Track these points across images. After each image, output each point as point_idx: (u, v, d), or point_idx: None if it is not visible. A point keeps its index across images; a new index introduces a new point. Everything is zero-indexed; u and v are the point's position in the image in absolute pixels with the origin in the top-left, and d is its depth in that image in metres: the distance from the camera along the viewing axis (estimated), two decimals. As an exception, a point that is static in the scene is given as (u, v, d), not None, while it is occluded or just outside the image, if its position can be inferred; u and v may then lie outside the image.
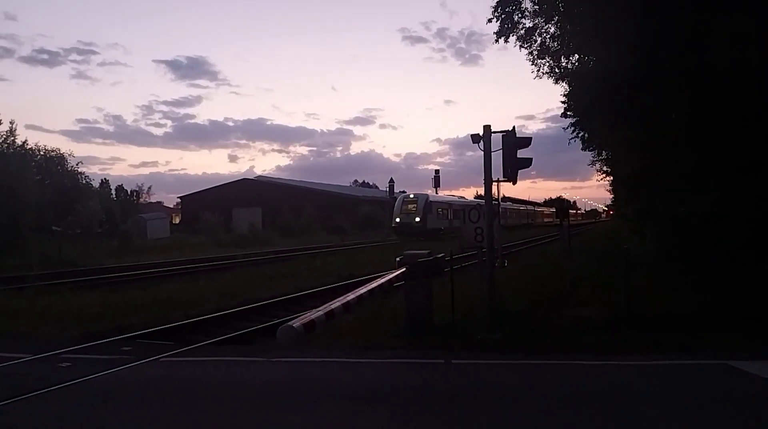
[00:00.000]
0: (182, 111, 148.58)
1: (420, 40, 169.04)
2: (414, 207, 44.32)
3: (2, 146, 29.79)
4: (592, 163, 31.19)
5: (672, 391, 5.67)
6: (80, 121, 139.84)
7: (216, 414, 5.13)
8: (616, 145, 18.75)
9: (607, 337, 7.88)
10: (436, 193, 57.03)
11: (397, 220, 43.85)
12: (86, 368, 6.72)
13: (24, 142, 32.94)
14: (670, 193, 13.13)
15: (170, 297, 12.70)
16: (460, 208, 38.64)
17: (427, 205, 44.92)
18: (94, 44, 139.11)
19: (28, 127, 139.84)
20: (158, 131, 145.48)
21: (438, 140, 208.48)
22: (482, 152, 9.26)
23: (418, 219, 43.20)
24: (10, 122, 31.08)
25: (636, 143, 14.45)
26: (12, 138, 30.67)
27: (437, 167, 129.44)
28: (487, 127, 9.29)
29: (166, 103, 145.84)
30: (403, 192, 55.50)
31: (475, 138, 9.31)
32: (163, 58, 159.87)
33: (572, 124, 19.35)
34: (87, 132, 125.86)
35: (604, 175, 29.79)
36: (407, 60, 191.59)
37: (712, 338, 7.61)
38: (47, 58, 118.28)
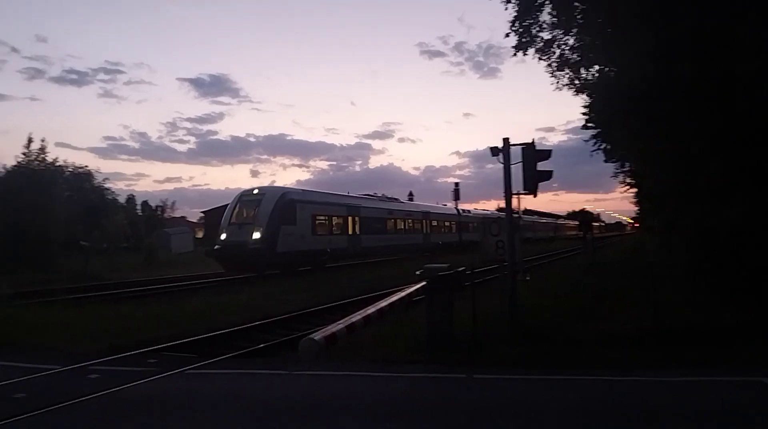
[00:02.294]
0: (205, 127, 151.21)
1: (438, 54, 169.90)
2: (252, 213, 23.17)
3: (33, 164, 30.62)
4: (616, 175, 30.79)
5: (703, 410, 5.50)
6: (107, 138, 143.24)
7: (239, 427, 5.18)
8: (640, 156, 18.51)
9: (633, 352, 7.72)
10: (455, 204, 56.15)
11: (223, 237, 22.93)
12: (114, 380, 6.85)
13: (54, 160, 33.90)
14: (697, 206, 12.88)
15: (194, 310, 12.86)
16: (383, 216, 33.74)
17: (282, 210, 23.27)
18: (120, 64, 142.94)
19: (58, 144, 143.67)
20: (182, 147, 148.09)
21: (457, 153, 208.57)
22: (502, 165, 9.25)
23: (256, 235, 22.10)
24: (41, 140, 31.99)
25: (660, 154, 14.25)
26: (42, 156, 31.54)
27: (457, 180, 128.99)
28: (506, 140, 9.29)
29: (189, 119, 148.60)
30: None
31: (494, 151, 9.31)
32: (187, 76, 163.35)
33: (594, 136, 19.18)
34: (113, 149, 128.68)
35: (627, 186, 29.39)
36: (425, 74, 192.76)
37: (744, 354, 7.35)
38: (76, 78, 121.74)
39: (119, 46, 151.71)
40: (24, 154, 30.87)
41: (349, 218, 29.70)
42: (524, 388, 6.52)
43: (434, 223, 41.32)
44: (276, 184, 33.16)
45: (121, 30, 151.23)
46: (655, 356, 7.45)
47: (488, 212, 55.19)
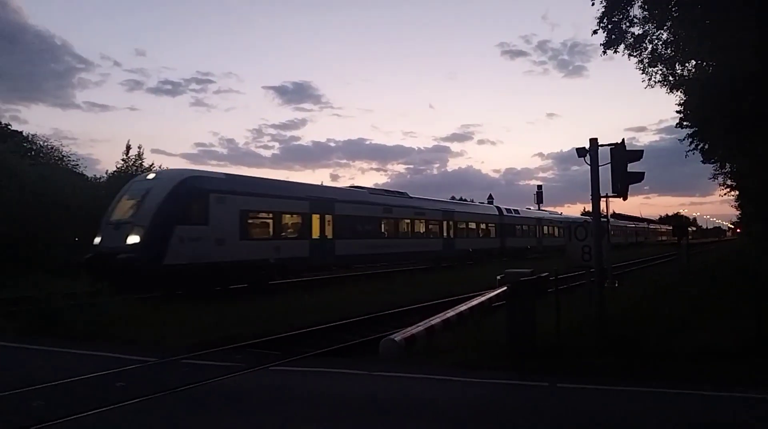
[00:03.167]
0: (288, 133, 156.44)
1: (520, 53, 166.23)
2: (135, 208, 16.45)
3: (132, 169, 32.94)
4: (714, 177, 28.91)
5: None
6: (198, 144, 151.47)
7: (318, 424, 5.30)
8: (742, 156, 17.25)
9: (732, 366, 7.16)
10: (538, 208, 54.37)
11: (97, 240, 16.48)
12: (203, 373, 7.24)
13: (150, 165, 36.29)
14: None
15: (277, 309, 13.34)
16: (374, 215, 25.04)
17: (180, 203, 16.45)
18: (210, 74, 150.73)
19: (154, 151, 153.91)
20: (267, 153, 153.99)
21: (540, 155, 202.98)
22: (589, 167, 8.90)
23: (133, 239, 15.43)
24: (138, 147, 34.43)
25: (765, 154, 13.19)
26: (140, 161, 33.89)
27: (539, 183, 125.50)
28: (593, 140, 8.93)
29: (274, 126, 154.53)
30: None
31: (581, 152, 8.98)
32: (272, 85, 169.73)
33: (690, 136, 18.13)
34: (204, 155, 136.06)
35: (728, 189, 27.52)
36: (507, 74, 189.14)
37: None
38: (170, 89, 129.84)
39: (209, 57, 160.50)
40: (123, 160, 33.47)
41: (315, 217, 21.33)
42: (611, 400, 6.21)
43: (461, 225, 32.86)
44: (185, 168, 21.48)
45: (211, 42, 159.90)
46: (759, 372, 6.87)
47: (546, 214, 49.20)
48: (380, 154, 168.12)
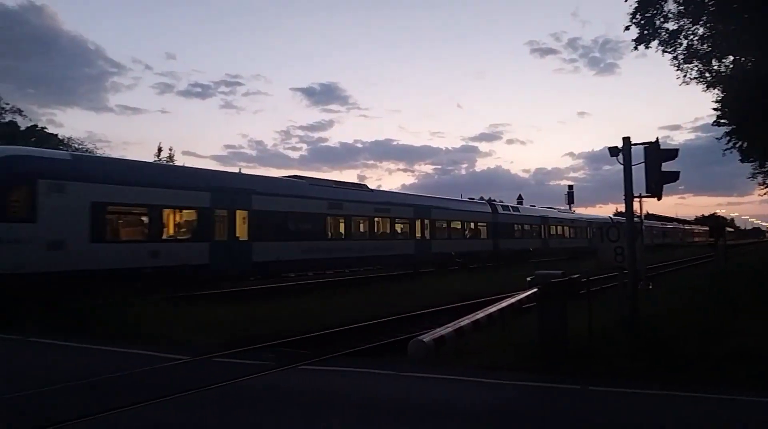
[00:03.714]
0: (316, 135, 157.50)
1: (550, 51, 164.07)
2: None
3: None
4: (753, 176, 28.06)
5: None
6: (227, 146, 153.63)
7: (347, 423, 5.31)
8: (783, 155, 16.67)
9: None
10: (570, 209, 53.35)
11: None
12: (234, 371, 7.33)
13: (181, 167, 37.09)
14: None
15: (305, 310, 13.44)
16: (316, 211, 21.23)
17: None
18: (239, 76, 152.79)
19: (184, 153, 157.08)
20: (294, 154, 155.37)
21: (571, 154, 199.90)
22: (621, 166, 8.72)
23: None
24: (169, 149, 35.43)
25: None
26: (171, 163, 34.64)
27: (570, 182, 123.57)
28: (626, 139, 8.76)
29: (301, 127, 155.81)
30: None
31: (613, 151, 8.81)
32: (299, 86, 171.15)
33: (727, 134, 17.66)
34: (233, 156, 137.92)
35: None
36: (536, 73, 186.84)
37: None
38: (200, 91, 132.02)
39: (238, 59, 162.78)
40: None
41: (219, 213, 17.88)
42: (644, 404, 6.07)
43: (441, 224, 28.55)
44: (13, 146, 17.99)
45: (240, 45, 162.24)
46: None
47: (553, 211, 44.43)
48: (407, 154, 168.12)
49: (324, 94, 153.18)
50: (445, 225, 29.10)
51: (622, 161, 8.78)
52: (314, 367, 7.87)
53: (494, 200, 36.31)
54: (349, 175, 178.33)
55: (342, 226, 22.78)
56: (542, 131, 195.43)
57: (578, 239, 44.99)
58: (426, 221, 27.24)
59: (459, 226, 30.67)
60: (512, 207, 37.08)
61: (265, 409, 5.79)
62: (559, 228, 42.68)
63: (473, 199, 36.87)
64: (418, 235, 26.75)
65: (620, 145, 8.81)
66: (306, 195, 21.30)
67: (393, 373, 7.26)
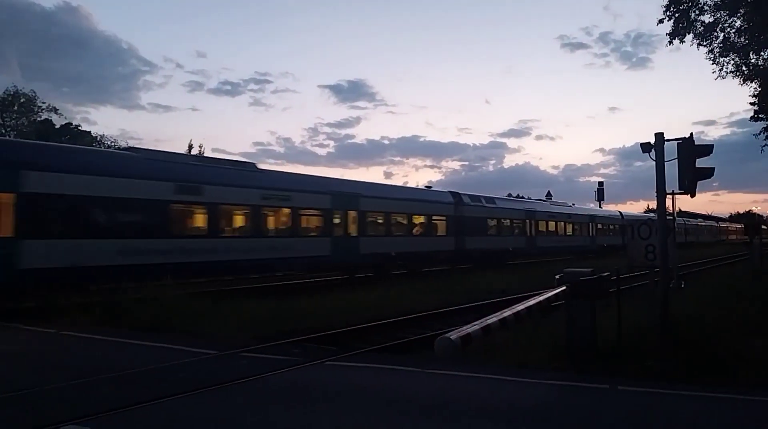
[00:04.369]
0: (343, 131, 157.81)
1: (580, 46, 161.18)
2: None
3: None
4: (792, 173, 27.08)
5: None
6: (256, 143, 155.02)
7: (374, 420, 5.31)
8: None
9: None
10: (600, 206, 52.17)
11: None
12: (262, 366, 7.42)
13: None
14: None
15: (332, 305, 13.53)
16: (181, 199, 16.00)
17: None
18: (268, 74, 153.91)
19: (214, 150, 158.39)
20: (322, 151, 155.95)
21: (601, 150, 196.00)
22: (654, 162, 8.53)
23: None
24: (200, 146, 35.99)
25: None
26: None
27: (600, 179, 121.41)
28: (659, 135, 8.55)
29: (329, 124, 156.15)
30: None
31: (645, 147, 8.62)
32: (327, 83, 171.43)
33: (765, 129, 17.12)
34: (262, 154, 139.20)
35: (807, 186, 25.71)
36: (566, 68, 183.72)
37: None
38: (230, 89, 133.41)
39: (267, 57, 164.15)
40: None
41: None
42: (676, 405, 5.93)
43: (373, 217, 22.90)
44: None
45: (269, 43, 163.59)
46: None
47: (544, 204, 38.69)
48: (434, 150, 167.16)
49: (351, 91, 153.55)
50: (379, 219, 23.36)
51: (654, 157, 8.58)
52: (341, 363, 7.90)
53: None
54: (375, 172, 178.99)
55: (202, 218, 17.47)
56: (572, 127, 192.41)
57: (578, 237, 39.57)
58: (346, 214, 21.37)
59: (404, 221, 24.61)
60: (485, 198, 30.55)
61: (290, 404, 5.83)
62: (550, 224, 36.33)
63: (430, 191, 30.15)
64: (335, 231, 20.74)
65: (652, 140, 8.61)
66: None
67: (419, 371, 7.25)
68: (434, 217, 26.17)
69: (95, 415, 5.27)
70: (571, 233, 38.82)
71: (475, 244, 28.04)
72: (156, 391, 6.09)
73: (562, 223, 37.59)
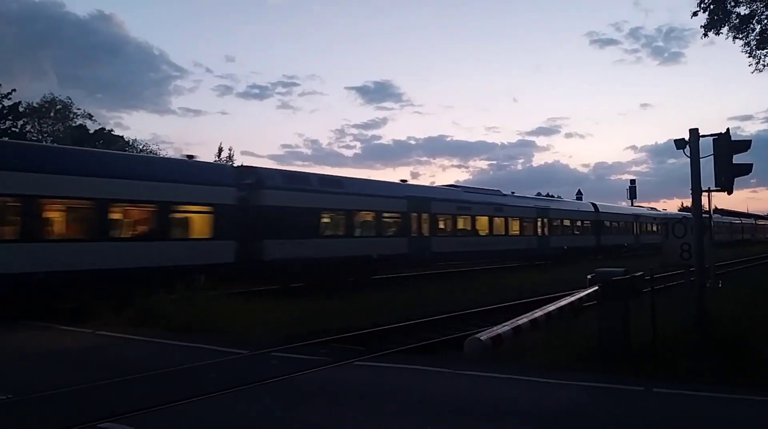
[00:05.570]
0: (370, 133, 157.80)
1: (610, 42, 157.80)
2: None
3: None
4: (834, 168, 26.11)
5: None
6: (284, 146, 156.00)
7: (403, 420, 5.30)
8: None
9: None
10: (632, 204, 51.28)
11: None
12: (291, 366, 7.48)
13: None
14: None
15: (361, 306, 13.55)
16: None
17: None
18: (295, 77, 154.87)
19: (243, 153, 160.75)
20: (349, 152, 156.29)
21: (633, 148, 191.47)
22: (688, 159, 8.33)
23: None
24: (229, 149, 36.53)
25: None
26: (230, 163, 35.76)
27: (632, 177, 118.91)
28: (693, 131, 8.35)
29: (355, 126, 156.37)
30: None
31: (679, 143, 8.42)
32: (354, 85, 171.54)
33: (805, 123, 16.51)
34: (289, 156, 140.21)
35: None
36: (596, 64, 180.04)
37: None
38: (258, 92, 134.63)
39: (294, 60, 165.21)
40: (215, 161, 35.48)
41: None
42: (712, 408, 5.78)
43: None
44: None
45: (296, 46, 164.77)
46: None
47: (496, 197, 29.31)
48: (461, 150, 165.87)
49: (378, 92, 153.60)
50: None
51: (689, 154, 8.38)
52: (369, 363, 7.91)
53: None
54: (402, 172, 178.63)
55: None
56: (602, 124, 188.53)
57: (581, 237, 35.33)
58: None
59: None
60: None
61: (319, 404, 5.87)
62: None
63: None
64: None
65: (687, 137, 8.41)
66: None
67: (449, 371, 7.20)
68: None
69: (133, 413, 5.39)
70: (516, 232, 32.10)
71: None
72: (189, 390, 6.20)
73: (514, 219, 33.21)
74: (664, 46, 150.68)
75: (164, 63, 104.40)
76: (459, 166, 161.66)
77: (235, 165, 25.51)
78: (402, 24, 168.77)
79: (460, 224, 25.34)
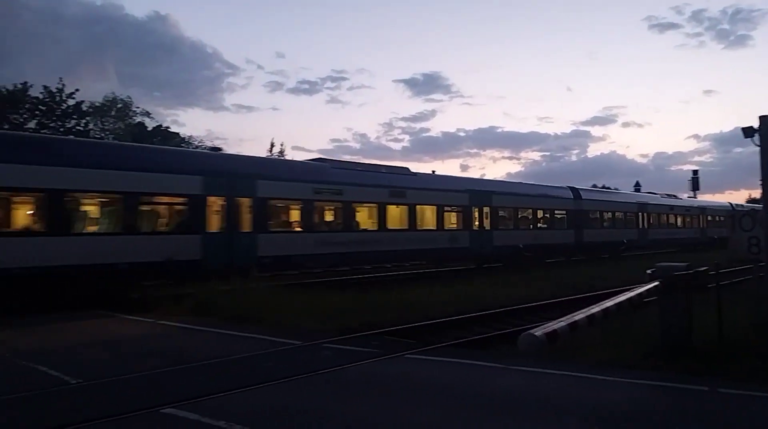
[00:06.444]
0: (418, 125, 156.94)
1: (670, 26, 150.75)
2: None
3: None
4: None
5: None
6: (333, 140, 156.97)
7: (458, 414, 5.26)
8: None
9: None
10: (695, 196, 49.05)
11: None
12: (343, 357, 7.56)
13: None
14: None
15: (413, 299, 13.56)
16: None
17: None
18: (344, 71, 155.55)
19: (294, 148, 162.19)
20: (397, 146, 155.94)
21: (695, 137, 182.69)
22: (758, 148, 7.89)
23: None
24: (280, 144, 37.25)
25: None
26: (282, 158, 36.40)
27: (695, 167, 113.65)
28: (764, 118, 7.90)
29: (404, 119, 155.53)
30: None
31: (747, 131, 7.99)
32: (402, 78, 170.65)
33: None
34: (338, 150, 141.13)
35: None
36: (655, 50, 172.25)
37: None
38: (308, 88, 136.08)
39: (343, 55, 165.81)
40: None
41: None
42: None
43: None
44: None
45: (344, 40, 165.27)
46: None
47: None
48: (513, 141, 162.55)
49: (426, 84, 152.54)
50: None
51: (758, 142, 7.93)
52: (421, 356, 7.90)
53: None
54: (451, 165, 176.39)
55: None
56: (662, 113, 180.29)
57: (548, 231, 28.36)
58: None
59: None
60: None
61: (372, 396, 5.91)
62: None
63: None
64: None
65: (756, 124, 7.97)
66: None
67: (502, 366, 7.10)
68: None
69: (193, 400, 5.58)
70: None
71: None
72: (246, 379, 6.37)
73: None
74: (729, 29, 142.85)
75: (217, 61, 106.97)
76: (510, 158, 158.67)
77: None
78: (450, 14, 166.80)
79: (328, 216, 19.58)
